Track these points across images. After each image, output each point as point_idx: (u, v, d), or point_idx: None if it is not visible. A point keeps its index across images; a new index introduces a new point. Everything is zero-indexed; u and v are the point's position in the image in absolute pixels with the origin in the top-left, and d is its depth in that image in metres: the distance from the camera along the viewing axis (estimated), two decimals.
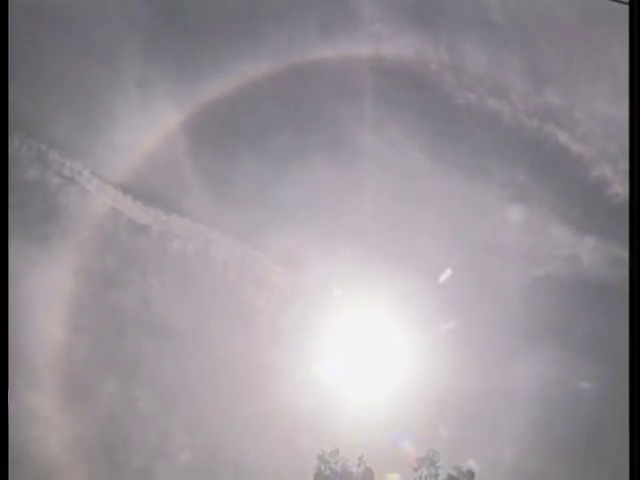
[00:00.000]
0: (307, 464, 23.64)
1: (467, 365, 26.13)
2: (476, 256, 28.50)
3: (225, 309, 29.33)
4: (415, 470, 23.86)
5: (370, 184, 29.68)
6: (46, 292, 26.67)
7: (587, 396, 25.76)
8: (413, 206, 30.09)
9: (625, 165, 27.28)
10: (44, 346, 25.74)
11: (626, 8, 6.92)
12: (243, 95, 28.32)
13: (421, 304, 27.40)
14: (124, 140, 28.50)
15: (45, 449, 23.69)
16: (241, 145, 30.35)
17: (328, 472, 23.83)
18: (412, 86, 29.55)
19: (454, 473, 23.68)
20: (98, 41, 29.09)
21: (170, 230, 28.91)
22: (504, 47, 29.16)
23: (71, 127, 28.86)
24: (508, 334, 27.16)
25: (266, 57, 28.70)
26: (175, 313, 28.75)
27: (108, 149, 28.76)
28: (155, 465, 24.51)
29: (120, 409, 26.30)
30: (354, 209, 29.14)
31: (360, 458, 23.92)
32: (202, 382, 26.73)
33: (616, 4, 7.17)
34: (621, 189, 27.79)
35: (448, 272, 27.17)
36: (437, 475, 23.80)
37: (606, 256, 27.37)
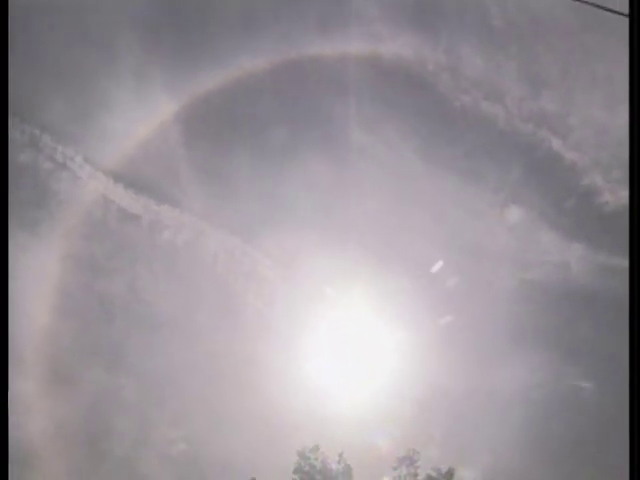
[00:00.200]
0: (288, 459, 23.61)
1: (452, 366, 26.31)
2: (466, 258, 28.68)
3: (213, 302, 29.31)
4: (394, 469, 23.87)
5: (363, 183, 29.77)
6: (34, 277, 26.50)
7: (570, 400, 26.02)
8: (405, 206, 30.22)
9: (617, 174, 27.51)
10: (29, 331, 25.53)
11: (624, 17, 6.95)
12: (239, 88, 28.21)
13: (410, 304, 27.54)
14: (118, 128, 28.35)
15: (26, 435, 23.52)
16: (236, 138, 30.30)
17: (307, 468, 23.75)
18: (408, 87, 29.63)
19: (433, 474, 23.66)
20: (95, 28, 28.91)
21: (160, 220, 28.83)
22: (501, 52, 29.32)
23: (65, 113, 28.69)
24: (494, 336, 27.36)
25: (264, 51, 28.64)
26: (163, 304, 28.70)
27: (101, 136, 28.61)
28: (138, 454, 24.47)
29: (104, 397, 26.24)
30: (347, 207, 29.18)
31: (340, 455, 23.88)
32: (188, 374, 26.72)
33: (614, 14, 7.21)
34: (611, 198, 28.02)
35: (439, 264, 27.29)
36: (416, 475, 23.77)
37: (594, 264, 27.61)
